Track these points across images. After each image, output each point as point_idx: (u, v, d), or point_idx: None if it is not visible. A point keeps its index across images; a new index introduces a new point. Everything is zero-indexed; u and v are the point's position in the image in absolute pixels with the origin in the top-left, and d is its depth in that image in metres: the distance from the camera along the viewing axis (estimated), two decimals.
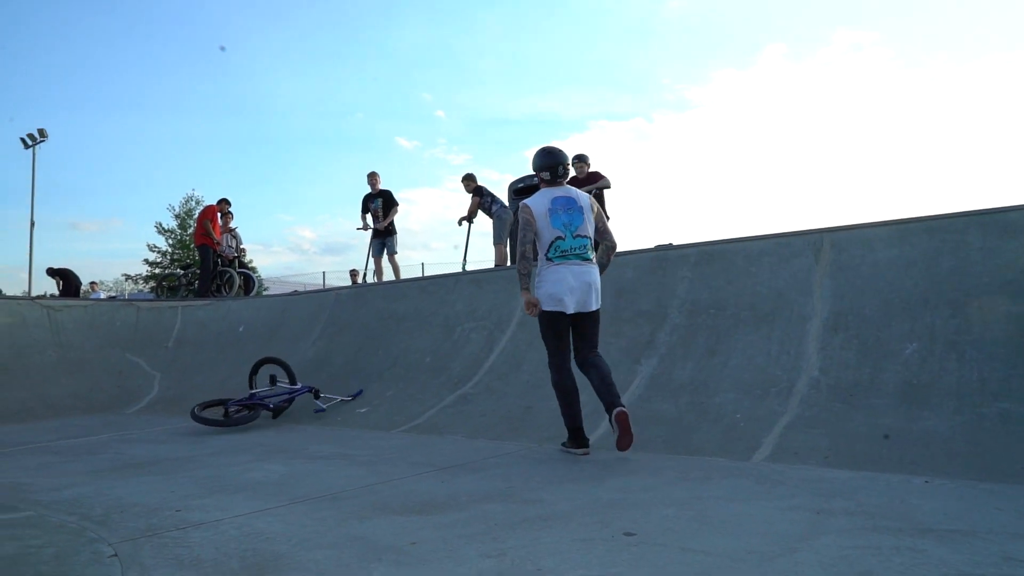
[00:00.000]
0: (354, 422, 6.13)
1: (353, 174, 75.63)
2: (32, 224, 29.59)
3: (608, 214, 9.45)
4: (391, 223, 10.92)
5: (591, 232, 4.44)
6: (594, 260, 4.44)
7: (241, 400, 6.55)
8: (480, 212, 10.29)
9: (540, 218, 4.37)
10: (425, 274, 18.48)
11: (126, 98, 67.19)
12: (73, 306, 9.77)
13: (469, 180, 10.48)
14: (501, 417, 5.45)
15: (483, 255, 14.68)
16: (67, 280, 15.59)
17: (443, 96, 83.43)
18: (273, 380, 6.92)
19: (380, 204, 10.90)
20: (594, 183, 9.25)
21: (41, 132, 29.99)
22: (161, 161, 64.84)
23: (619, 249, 5.03)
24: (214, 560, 2.45)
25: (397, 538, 2.65)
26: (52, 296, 14.34)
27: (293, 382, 6.94)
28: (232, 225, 12.26)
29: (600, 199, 9.31)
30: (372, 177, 11.06)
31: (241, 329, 9.45)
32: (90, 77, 66.76)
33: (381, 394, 6.64)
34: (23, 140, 29.99)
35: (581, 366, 4.39)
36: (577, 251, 4.35)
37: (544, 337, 4.43)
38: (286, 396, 6.69)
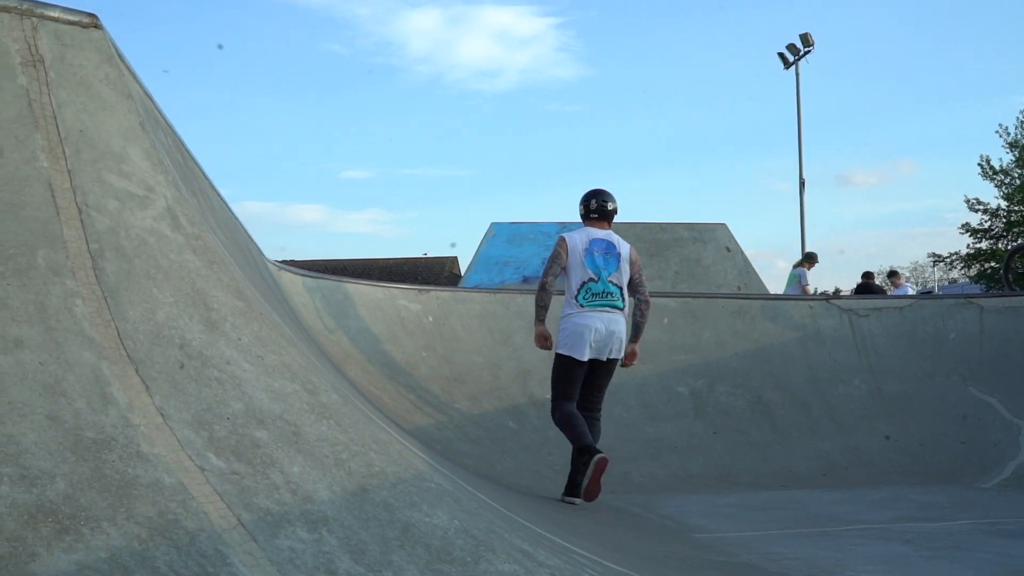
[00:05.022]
0: None
1: None
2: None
3: None
4: None
5: (624, 282, 7.16)
6: (623, 311, 7.12)
7: None
8: None
9: (576, 256, 7.06)
10: None
11: None
12: (880, 309, 11.18)
13: None
14: None
15: None
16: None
17: None
18: None
19: None
20: None
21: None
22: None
23: None
24: None
25: None
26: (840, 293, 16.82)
27: None
28: None
29: None
30: None
31: None
32: None
33: None
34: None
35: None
36: (607, 298, 7.03)
37: (554, 380, 7.15)
38: None
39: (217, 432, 3.02)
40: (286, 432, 3.16)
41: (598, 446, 6.85)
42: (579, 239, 7.17)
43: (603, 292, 7.03)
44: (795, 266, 19.80)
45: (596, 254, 7.10)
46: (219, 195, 6.63)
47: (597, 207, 7.30)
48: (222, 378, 3.21)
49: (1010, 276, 14.78)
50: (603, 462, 6.64)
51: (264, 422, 3.15)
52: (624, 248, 7.22)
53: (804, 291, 18.28)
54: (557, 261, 7.13)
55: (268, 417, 3.17)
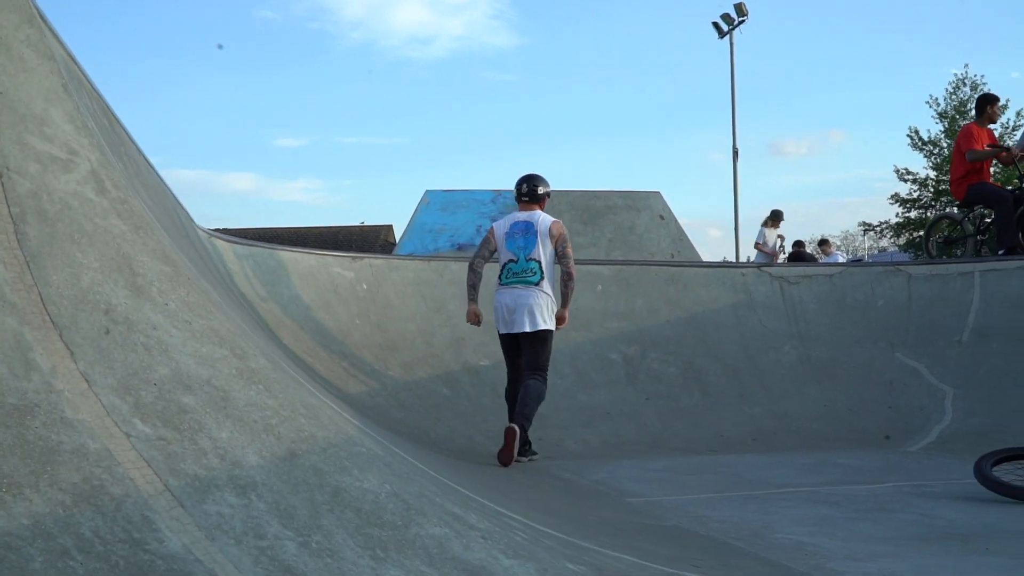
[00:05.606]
0: None
1: None
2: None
3: None
4: None
5: (543, 257, 7.62)
6: (542, 285, 7.57)
7: None
8: None
9: (499, 240, 7.77)
10: None
11: None
12: (811, 276, 11.33)
13: None
14: None
15: None
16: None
17: None
18: None
19: None
20: None
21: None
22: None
23: None
24: None
25: None
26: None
27: None
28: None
29: None
30: None
31: None
32: None
33: None
34: None
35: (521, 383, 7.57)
36: (523, 275, 7.57)
37: None
38: None
39: (143, 398, 3.00)
40: (214, 397, 3.14)
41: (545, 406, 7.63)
42: (503, 224, 7.93)
43: (522, 271, 7.63)
44: (762, 224, 20.20)
45: (516, 236, 7.74)
46: (147, 161, 6.54)
47: (528, 191, 7.90)
48: (148, 343, 3.18)
49: (931, 245, 15.04)
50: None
51: (191, 388, 3.13)
52: (544, 224, 7.74)
53: (758, 248, 18.81)
54: (487, 245, 7.93)
55: (196, 383, 3.15)
